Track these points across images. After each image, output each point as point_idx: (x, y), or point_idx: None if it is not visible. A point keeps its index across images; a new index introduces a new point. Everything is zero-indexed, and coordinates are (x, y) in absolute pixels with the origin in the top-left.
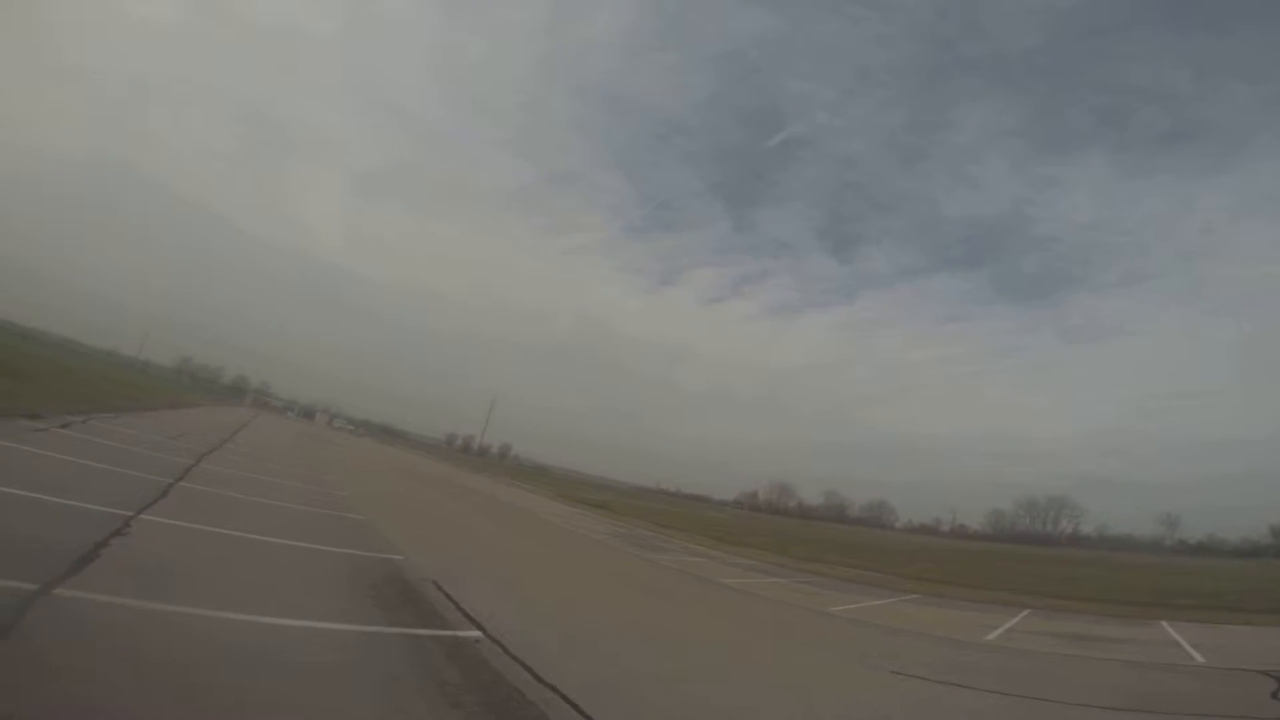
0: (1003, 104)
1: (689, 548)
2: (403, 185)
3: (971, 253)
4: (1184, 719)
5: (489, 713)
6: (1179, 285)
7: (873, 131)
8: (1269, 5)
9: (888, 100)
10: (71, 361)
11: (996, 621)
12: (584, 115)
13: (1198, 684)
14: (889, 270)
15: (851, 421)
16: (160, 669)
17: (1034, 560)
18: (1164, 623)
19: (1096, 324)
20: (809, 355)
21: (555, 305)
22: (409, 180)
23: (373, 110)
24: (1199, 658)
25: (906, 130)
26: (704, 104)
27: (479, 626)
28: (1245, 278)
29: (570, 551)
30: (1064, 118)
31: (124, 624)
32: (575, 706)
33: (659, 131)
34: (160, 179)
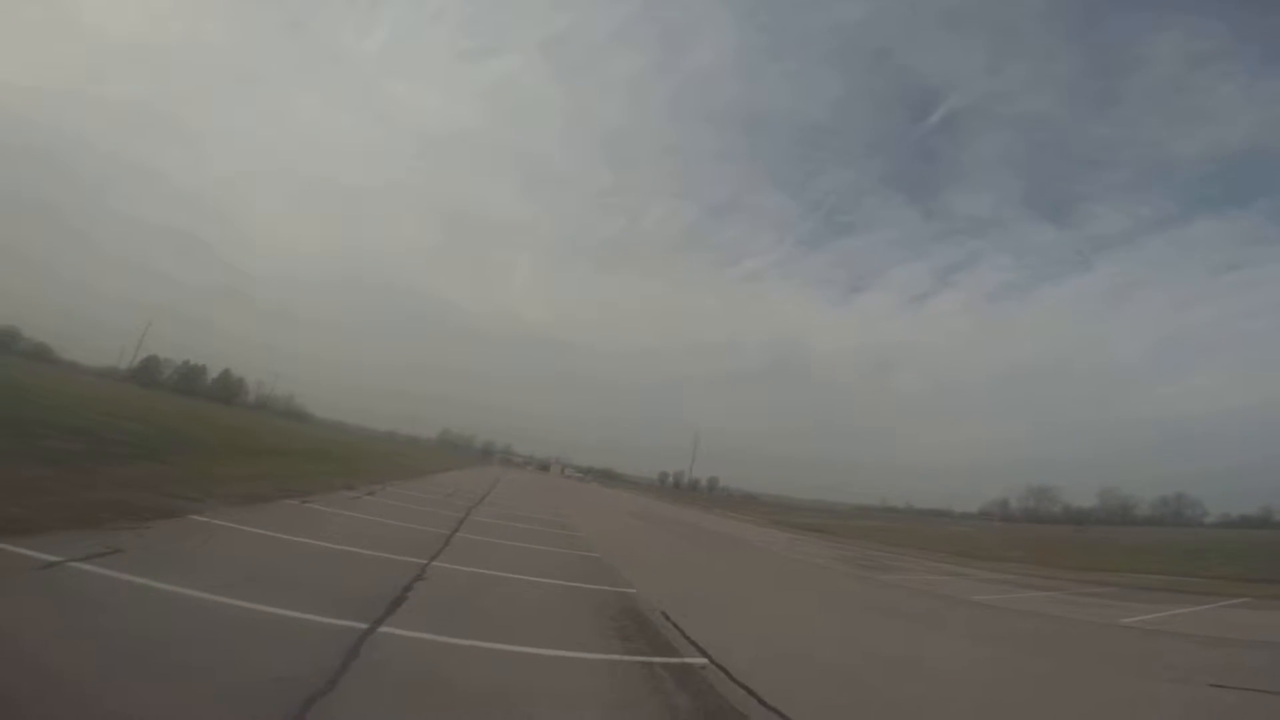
0: (1194, 26)
1: (929, 566)
2: (588, 250)
3: (1231, 189)
4: None
5: None
6: None
7: (1048, 84)
8: None
9: (1050, 50)
10: (365, 442)
11: None
12: (724, 142)
13: None
14: (1128, 226)
15: (1120, 406)
16: (459, 695)
17: None
18: None
19: None
20: (1049, 336)
21: (743, 333)
22: (592, 244)
23: (544, 186)
24: None
25: (1088, 75)
26: (842, 100)
27: (704, 654)
28: None
29: (791, 577)
30: (1269, 26)
31: (430, 656)
32: None
33: (805, 138)
34: (412, 286)
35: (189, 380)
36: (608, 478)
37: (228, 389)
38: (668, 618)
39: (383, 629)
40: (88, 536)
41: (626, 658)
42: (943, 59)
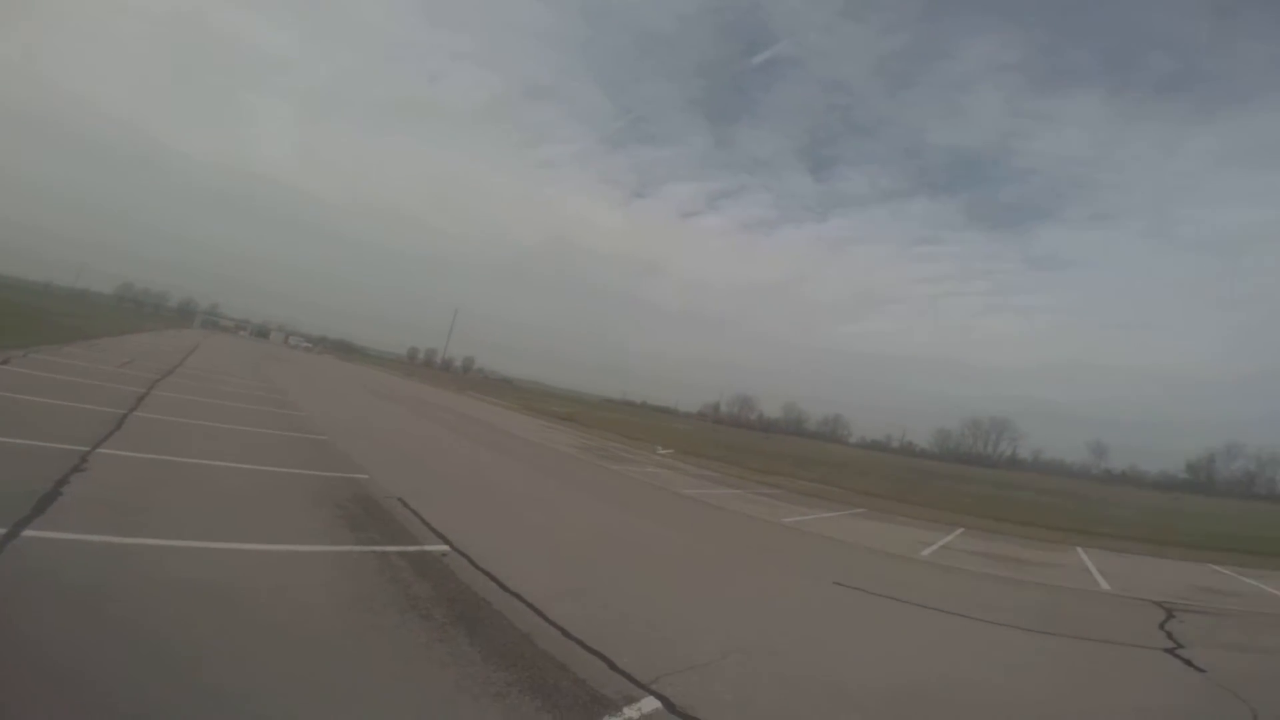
0: (1007, 37)
1: (653, 459)
2: (357, 102)
3: (951, 179)
4: (1083, 642)
5: (458, 623)
6: (1148, 225)
7: (866, 56)
8: None
9: (887, 26)
10: (5, 295)
11: (932, 538)
12: (556, 24)
13: (1097, 609)
14: (866, 192)
15: (816, 336)
16: (140, 603)
17: (972, 480)
18: (1080, 549)
19: (1062, 255)
20: (780, 270)
21: (525, 218)
22: (364, 97)
23: (319, 22)
24: (1104, 585)
25: (902, 57)
26: (690, 18)
27: (445, 541)
28: (1214, 223)
29: (536, 464)
30: (1067, 55)
31: (97, 561)
32: (540, 613)
33: (641, 44)
34: (84, 95)
35: None
36: (345, 350)
37: None
38: (405, 504)
39: (28, 533)
40: None
41: (356, 548)
42: (794, 6)
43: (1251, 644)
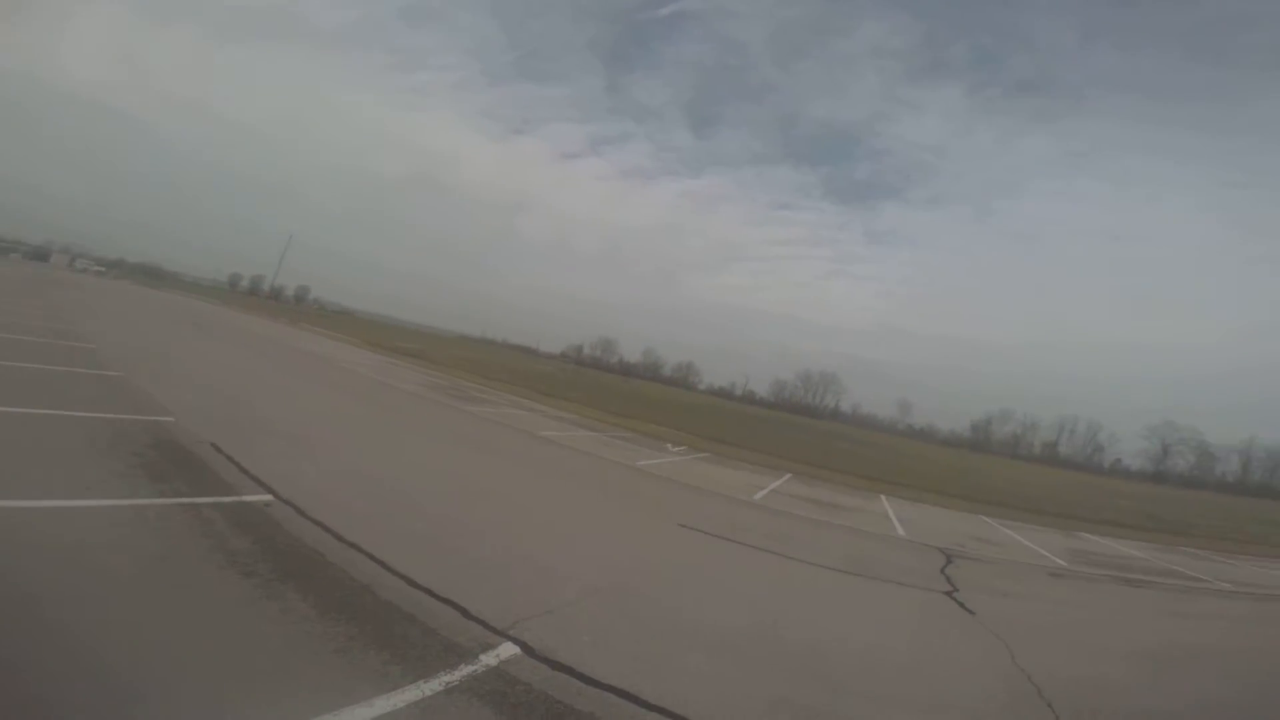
0: (898, 23)
1: (511, 400)
2: (202, 9)
3: (817, 151)
4: (882, 584)
5: (287, 579)
6: (973, 212)
7: (767, 22)
8: None
9: None
10: None
11: (764, 483)
12: None
13: (894, 553)
14: (740, 153)
15: (677, 285)
16: None
17: (801, 429)
18: (884, 497)
19: (899, 231)
20: (651, 219)
21: (388, 145)
22: (212, 4)
23: None
24: (901, 531)
25: (800, 27)
26: None
27: (269, 489)
28: (1028, 216)
29: (378, 403)
30: (946, 49)
31: None
32: (382, 563)
33: None
34: None
35: None
36: (150, 275)
37: None
38: (219, 449)
39: None
40: None
41: (159, 500)
42: None
43: (1010, 589)
